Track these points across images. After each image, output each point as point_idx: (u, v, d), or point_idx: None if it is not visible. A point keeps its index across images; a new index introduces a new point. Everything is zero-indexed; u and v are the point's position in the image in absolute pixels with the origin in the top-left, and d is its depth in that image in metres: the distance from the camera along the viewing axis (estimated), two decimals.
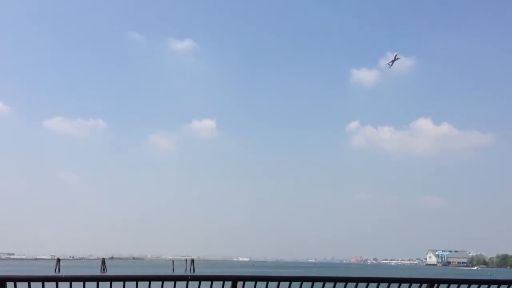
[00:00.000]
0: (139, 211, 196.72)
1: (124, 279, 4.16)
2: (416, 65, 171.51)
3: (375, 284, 4.59)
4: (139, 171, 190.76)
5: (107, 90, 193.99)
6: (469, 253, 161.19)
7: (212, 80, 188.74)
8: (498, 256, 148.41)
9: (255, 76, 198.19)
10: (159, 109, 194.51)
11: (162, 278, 4.25)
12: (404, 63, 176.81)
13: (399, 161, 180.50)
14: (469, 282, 4.69)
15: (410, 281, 4.66)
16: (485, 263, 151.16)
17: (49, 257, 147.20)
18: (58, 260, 57.37)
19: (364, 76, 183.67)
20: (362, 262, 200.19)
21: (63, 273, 40.59)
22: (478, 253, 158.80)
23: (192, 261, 61.11)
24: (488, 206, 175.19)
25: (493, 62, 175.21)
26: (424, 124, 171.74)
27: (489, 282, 4.77)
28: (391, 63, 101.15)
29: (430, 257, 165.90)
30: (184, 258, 70.68)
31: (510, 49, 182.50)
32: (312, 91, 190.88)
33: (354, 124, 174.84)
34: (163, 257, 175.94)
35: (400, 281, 4.63)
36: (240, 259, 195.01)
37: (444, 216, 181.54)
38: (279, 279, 4.46)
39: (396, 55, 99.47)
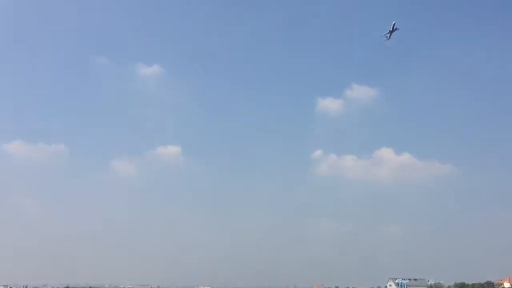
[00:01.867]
0: (98, 237, 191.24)
1: None
2: (380, 96, 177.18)
3: None
4: (99, 196, 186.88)
5: (71, 113, 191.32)
6: (428, 281, 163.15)
7: (179, 106, 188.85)
8: (456, 285, 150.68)
9: (223, 103, 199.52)
10: (123, 134, 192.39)
11: None
12: (368, 93, 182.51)
13: (361, 189, 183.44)
14: None
15: None
16: None
17: (1, 287, 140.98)
18: None
19: (330, 105, 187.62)
20: None
21: None
22: (437, 281, 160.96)
23: None
24: (446, 234, 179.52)
25: (452, 96, 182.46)
26: (386, 153, 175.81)
27: None
28: (388, 35, 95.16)
29: (390, 285, 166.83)
30: (143, 287, 69.09)
31: (469, 86, 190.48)
32: (279, 119, 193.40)
33: (318, 153, 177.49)
34: (121, 286, 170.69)
35: None
36: (201, 287, 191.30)
37: (403, 243, 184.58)
38: None
39: (394, 24, 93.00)
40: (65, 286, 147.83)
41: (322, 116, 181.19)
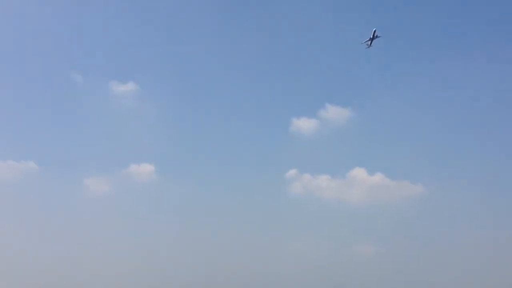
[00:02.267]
0: (69, 257, 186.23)
1: None
2: (353, 116, 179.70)
3: None
4: (71, 215, 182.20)
5: (42, 130, 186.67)
6: None
7: (153, 124, 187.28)
8: None
9: (198, 121, 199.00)
10: (96, 152, 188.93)
11: None
12: (342, 114, 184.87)
13: (335, 208, 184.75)
14: None
15: None
16: None
17: None
18: None
19: (304, 125, 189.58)
20: None
21: None
22: None
23: None
24: (419, 254, 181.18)
25: (426, 115, 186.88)
26: (359, 173, 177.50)
27: None
28: (369, 42, 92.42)
29: None
30: None
31: (440, 105, 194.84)
32: (253, 139, 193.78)
33: (293, 172, 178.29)
34: None
35: None
36: None
37: (376, 263, 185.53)
38: None
39: (375, 32, 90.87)
40: None
41: (296, 136, 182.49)
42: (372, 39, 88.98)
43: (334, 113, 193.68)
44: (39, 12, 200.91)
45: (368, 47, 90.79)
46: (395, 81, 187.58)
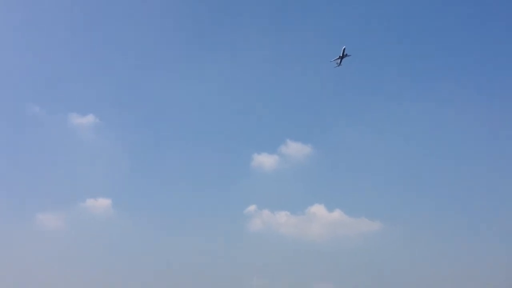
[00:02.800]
0: None
1: None
2: (313, 152, 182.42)
3: None
4: (23, 251, 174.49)
5: None
6: None
7: (112, 157, 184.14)
8: None
9: (157, 155, 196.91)
10: (51, 186, 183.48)
11: None
12: (302, 150, 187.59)
13: (294, 245, 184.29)
14: None
15: None
16: None
17: None
18: None
19: (265, 160, 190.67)
20: None
21: None
22: None
23: None
24: None
25: (384, 154, 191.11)
26: (318, 210, 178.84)
27: None
28: (339, 61, 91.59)
29: None
30: None
31: (398, 142, 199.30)
32: (213, 174, 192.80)
33: (252, 208, 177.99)
34: None
35: None
36: None
37: None
38: None
39: (344, 50, 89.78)
40: None
41: (257, 171, 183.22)
42: (341, 58, 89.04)
43: (295, 149, 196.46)
44: None
45: (338, 65, 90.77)
46: (356, 117, 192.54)
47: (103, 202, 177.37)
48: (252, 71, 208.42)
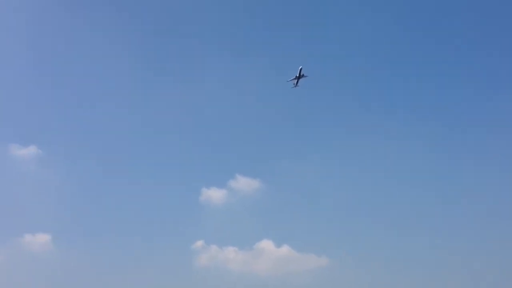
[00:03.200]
0: None
1: None
2: (262, 187, 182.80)
3: None
4: None
5: None
6: None
7: (54, 190, 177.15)
8: None
9: (102, 188, 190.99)
10: None
11: None
12: (251, 184, 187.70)
13: (241, 281, 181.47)
14: None
15: None
16: None
17: None
18: None
19: (214, 195, 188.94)
20: None
21: None
22: None
23: None
24: None
25: (331, 189, 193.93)
26: (267, 245, 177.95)
27: None
28: (296, 81, 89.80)
29: None
30: None
31: (348, 176, 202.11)
32: (160, 208, 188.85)
33: (199, 243, 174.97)
34: None
35: None
36: None
37: None
38: None
39: (301, 70, 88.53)
40: None
41: (205, 206, 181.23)
42: (298, 78, 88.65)
43: (244, 183, 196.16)
44: None
45: (295, 86, 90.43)
46: (306, 151, 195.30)
47: (42, 237, 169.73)
48: (201, 102, 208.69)
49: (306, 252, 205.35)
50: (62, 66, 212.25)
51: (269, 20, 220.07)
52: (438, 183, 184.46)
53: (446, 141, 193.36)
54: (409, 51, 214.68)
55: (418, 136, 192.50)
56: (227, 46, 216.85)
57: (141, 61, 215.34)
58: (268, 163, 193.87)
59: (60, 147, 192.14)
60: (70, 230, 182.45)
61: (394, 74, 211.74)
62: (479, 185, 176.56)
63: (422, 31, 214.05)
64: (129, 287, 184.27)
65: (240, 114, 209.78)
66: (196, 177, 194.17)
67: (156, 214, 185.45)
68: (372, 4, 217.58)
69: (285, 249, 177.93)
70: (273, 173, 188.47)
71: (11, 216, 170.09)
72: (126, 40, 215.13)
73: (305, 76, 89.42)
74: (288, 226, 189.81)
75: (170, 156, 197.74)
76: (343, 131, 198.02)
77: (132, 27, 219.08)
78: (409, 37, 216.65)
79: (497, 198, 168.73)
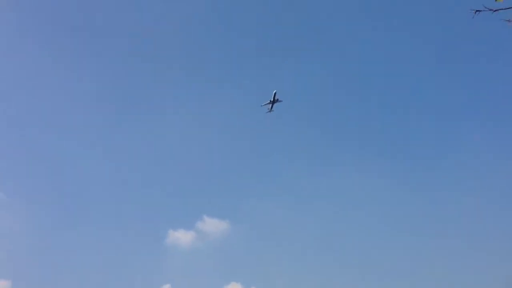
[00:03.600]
0: None
1: None
2: (230, 229, 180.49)
3: None
4: None
5: None
6: None
7: (17, 236, 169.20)
8: None
9: (66, 233, 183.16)
10: None
11: None
12: (219, 226, 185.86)
13: None
14: None
15: None
16: None
17: None
18: None
19: (181, 237, 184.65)
20: None
21: None
22: None
23: None
24: None
25: (301, 229, 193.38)
26: None
27: None
28: (270, 106, 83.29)
29: None
30: None
31: (319, 216, 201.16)
32: (126, 251, 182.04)
33: (166, 287, 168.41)
34: None
35: None
36: None
37: None
38: None
39: (275, 94, 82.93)
40: None
41: (172, 248, 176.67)
42: (272, 103, 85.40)
43: (212, 225, 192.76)
44: None
45: (269, 111, 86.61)
46: (275, 191, 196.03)
47: (2, 284, 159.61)
48: (165, 139, 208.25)
49: None
50: (27, 107, 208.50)
51: (240, 49, 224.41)
52: (407, 220, 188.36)
53: (413, 179, 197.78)
54: (379, 85, 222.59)
55: (388, 172, 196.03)
56: (194, 76, 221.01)
57: (102, 94, 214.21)
58: (237, 203, 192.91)
59: (25, 192, 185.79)
60: (31, 276, 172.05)
61: (368, 108, 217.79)
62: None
63: (389, 63, 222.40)
64: None
65: (207, 152, 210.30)
66: (162, 219, 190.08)
67: (122, 257, 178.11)
68: (346, 34, 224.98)
69: None
70: (241, 213, 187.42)
71: None
72: (87, 71, 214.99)
73: (280, 101, 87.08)
74: (257, 267, 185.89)
75: (135, 197, 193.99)
76: (312, 168, 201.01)
77: (94, 59, 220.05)
78: (378, 69, 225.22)
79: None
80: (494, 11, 10.21)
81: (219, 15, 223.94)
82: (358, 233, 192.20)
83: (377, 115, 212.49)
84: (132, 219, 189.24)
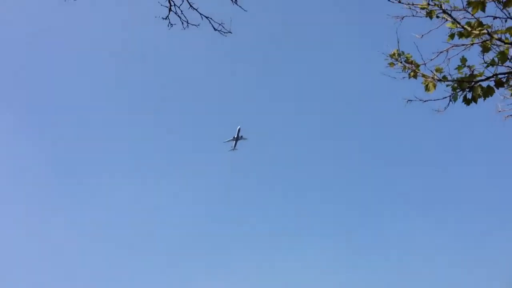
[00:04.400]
0: None
1: None
2: None
3: None
4: None
5: None
6: None
7: None
8: None
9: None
10: None
11: None
12: None
13: None
14: None
15: None
16: None
17: None
18: None
19: None
20: None
21: None
22: None
23: None
24: None
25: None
26: None
27: None
28: (234, 143, 76.58)
29: None
30: None
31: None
32: None
33: None
34: None
35: None
36: None
37: None
38: None
39: (239, 130, 74.81)
40: None
41: None
42: (236, 139, 75.88)
43: None
44: None
45: (232, 149, 77.79)
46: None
47: None
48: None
49: None
50: None
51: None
52: None
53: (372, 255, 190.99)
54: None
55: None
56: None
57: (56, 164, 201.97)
58: None
59: None
60: None
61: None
62: None
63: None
64: None
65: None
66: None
67: None
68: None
69: None
70: None
71: None
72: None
73: (244, 139, 78.48)
74: None
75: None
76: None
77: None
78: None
79: None
80: (424, 101, 10.36)
81: None
82: None
83: None
84: None
